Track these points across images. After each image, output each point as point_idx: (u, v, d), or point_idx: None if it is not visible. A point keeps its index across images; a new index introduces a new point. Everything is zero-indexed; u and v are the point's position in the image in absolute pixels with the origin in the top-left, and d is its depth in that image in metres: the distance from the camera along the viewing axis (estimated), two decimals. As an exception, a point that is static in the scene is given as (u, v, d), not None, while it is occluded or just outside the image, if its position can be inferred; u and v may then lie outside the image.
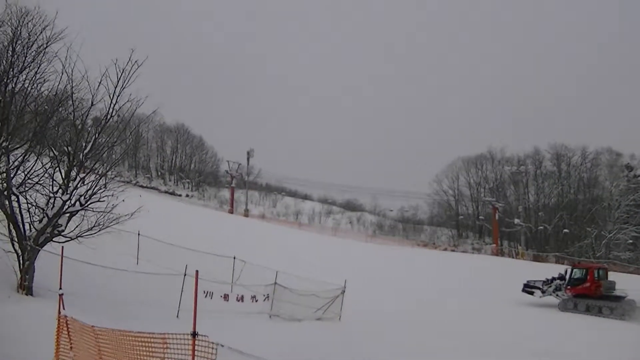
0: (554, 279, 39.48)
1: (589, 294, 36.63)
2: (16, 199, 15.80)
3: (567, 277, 38.50)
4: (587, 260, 64.17)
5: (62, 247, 13.68)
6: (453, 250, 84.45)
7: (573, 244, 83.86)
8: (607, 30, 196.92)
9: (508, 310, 34.81)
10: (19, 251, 15.77)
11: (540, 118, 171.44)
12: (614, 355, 21.96)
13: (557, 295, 38.51)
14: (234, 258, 26.08)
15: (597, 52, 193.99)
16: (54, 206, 15.79)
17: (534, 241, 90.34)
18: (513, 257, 73.36)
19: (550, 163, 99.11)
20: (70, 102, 16.77)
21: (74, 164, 16.37)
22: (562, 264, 60.81)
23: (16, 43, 15.97)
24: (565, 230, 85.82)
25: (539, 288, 39.45)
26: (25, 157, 16.61)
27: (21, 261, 15.76)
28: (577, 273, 38.48)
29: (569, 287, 37.91)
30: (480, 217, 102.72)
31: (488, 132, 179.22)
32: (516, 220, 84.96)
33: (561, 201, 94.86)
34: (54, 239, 16.14)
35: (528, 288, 40.01)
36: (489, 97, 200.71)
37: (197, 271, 8.62)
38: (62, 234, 16.25)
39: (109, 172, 18.03)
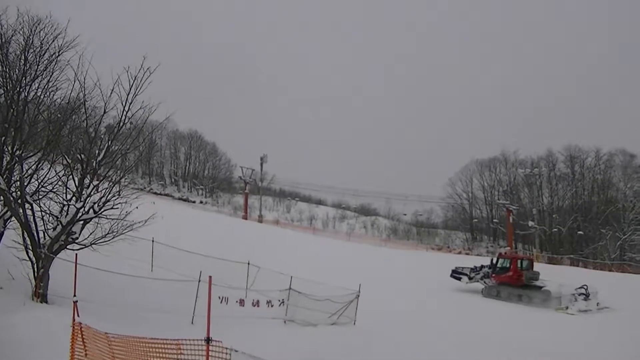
0: (482, 266, 43.09)
1: (511, 282, 39.84)
2: (30, 207, 15.85)
3: (493, 266, 41.82)
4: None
5: (76, 254, 13.69)
6: (467, 254, 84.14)
7: (588, 246, 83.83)
8: (626, 30, 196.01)
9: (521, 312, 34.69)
10: (33, 259, 15.80)
11: (553, 120, 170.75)
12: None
13: (484, 282, 41.77)
14: (248, 264, 26.05)
15: (613, 52, 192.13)
16: (67, 214, 15.81)
17: (549, 243, 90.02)
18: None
19: (564, 165, 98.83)
20: (83, 109, 16.77)
21: (88, 171, 16.39)
22: (577, 266, 61.23)
23: (28, 52, 16.01)
24: (580, 232, 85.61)
25: (466, 274, 42.93)
26: (39, 165, 16.69)
27: (35, 269, 15.79)
28: (502, 263, 41.85)
29: (494, 275, 41.19)
30: (495, 220, 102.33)
31: (501, 135, 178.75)
32: (530, 223, 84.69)
33: (575, 203, 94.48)
34: (68, 247, 16.16)
35: (456, 274, 43.71)
36: (501, 99, 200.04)
37: (210, 277, 8.63)
38: (76, 241, 16.27)
39: (123, 180, 18.02)
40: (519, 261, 41.61)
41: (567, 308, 34.73)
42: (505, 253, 50.64)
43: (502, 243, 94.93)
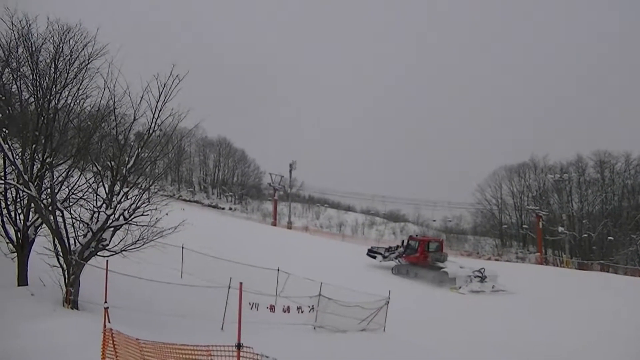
0: (397, 247, 48.22)
1: (417, 262, 44.33)
2: (61, 214, 15.91)
3: (405, 247, 46.07)
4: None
5: (107, 261, 13.75)
6: (497, 260, 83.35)
7: (618, 252, 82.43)
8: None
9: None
10: (64, 265, 15.88)
11: (583, 125, 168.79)
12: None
13: (398, 261, 46.43)
14: (278, 270, 25.98)
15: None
16: (98, 221, 15.90)
17: (579, 249, 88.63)
18: (558, 266, 72.18)
19: (593, 170, 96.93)
20: (113, 117, 16.84)
21: (117, 178, 16.43)
22: (607, 271, 60.60)
23: (58, 60, 16.14)
24: (610, 237, 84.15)
25: (380, 254, 47.76)
26: (69, 173, 16.82)
27: (66, 275, 15.87)
28: (412, 244, 46.58)
29: (405, 255, 46.06)
30: (524, 225, 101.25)
31: (530, 141, 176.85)
32: (560, 229, 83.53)
33: (605, 208, 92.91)
34: (98, 253, 16.24)
35: (372, 253, 48.92)
36: (531, 105, 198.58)
37: (240, 283, 8.59)
38: (107, 248, 16.34)
39: (152, 186, 18.04)
40: (426, 243, 45.91)
41: (460, 288, 39.35)
42: (416, 235, 54.43)
43: (532, 249, 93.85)
